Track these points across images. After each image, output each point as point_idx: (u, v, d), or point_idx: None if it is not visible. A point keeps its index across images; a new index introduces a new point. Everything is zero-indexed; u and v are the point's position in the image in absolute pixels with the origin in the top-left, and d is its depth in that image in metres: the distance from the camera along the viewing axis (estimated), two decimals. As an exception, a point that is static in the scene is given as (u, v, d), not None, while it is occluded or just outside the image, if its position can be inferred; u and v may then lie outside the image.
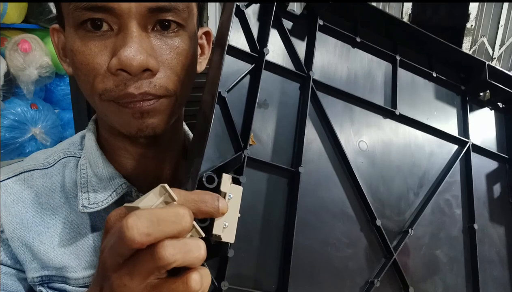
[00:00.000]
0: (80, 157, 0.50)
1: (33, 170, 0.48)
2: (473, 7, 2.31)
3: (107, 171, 0.47)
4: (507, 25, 2.30)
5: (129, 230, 0.24)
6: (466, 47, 2.36)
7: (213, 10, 2.73)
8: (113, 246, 0.26)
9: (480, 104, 0.60)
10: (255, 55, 0.42)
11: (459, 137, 0.56)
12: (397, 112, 0.51)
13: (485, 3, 2.31)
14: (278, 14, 0.44)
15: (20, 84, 2.07)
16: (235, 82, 0.40)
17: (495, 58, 2.34)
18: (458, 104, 0.58)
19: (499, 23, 2.29)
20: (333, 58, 0.48)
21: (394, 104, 0.51)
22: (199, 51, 0.49)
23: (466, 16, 2.33)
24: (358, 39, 0.49)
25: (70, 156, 0.50)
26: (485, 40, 2.34)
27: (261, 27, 0.43)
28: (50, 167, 0.49)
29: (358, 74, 0.49)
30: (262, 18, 0.43)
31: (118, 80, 0.39)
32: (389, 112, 0.51)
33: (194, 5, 0.43)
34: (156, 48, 0.40)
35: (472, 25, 2.33)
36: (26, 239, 0.45)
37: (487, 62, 0.55)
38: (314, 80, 0.45)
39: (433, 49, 0.55)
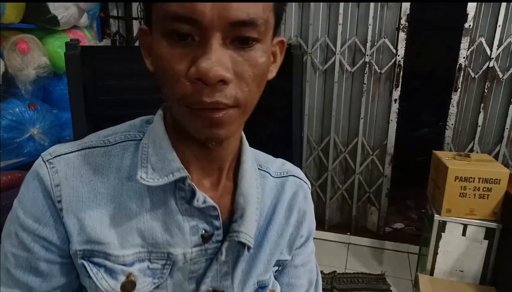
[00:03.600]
0: (140, 139, 0.53)
1: (94, 147, 0.52)
2: (471, 7, 2.31)
3: (169, 154, 0.50)
4: (505, 25, 2.31)
5: None
6: (464, 47, 2.37)
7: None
8: None
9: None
10: None
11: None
12: None
13: (483, 3, 2.32)
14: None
15: (18, 84, 2.07)
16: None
17: (493, 58, 2.35)
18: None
19: (497, 23, 2.30)
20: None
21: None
22: (271, 59, 0.51)
23: (464, 16, 2.33)
24: None
25: (131, 140, 0.53)
26: (483, 40, 2.35)
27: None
28: (110, 145, 0.52)
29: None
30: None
31: (194, 87, 0.42)
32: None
33: (272, 17, 0.45)
34: (232, 61, 0.43)
35: (470, 25, 2.34)
36: (78, 213, 0.49)
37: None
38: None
39: None
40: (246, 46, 0.43)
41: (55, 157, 0.50)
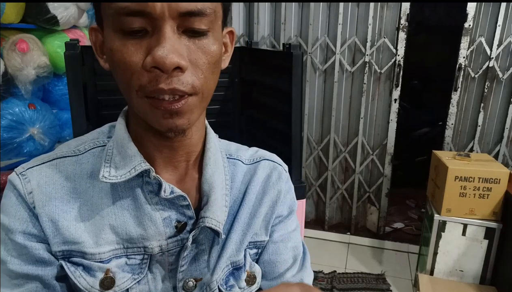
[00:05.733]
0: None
1: (65, 157, 0.54)
2: (471, 7, 2.31)
3: (130, 150, 0.52)
4: (505, 25, 2.31)
5: None
6: (464, 47, 2.37)
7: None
8: None
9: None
10: None
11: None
12: None
13: (483, 3, 2.31)
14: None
15: (18, 84, 2.07)
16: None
17: (492, 58, 2.35)
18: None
19: (496, 23, 2.30)
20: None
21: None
22: (223, 49, 0.53)
23: (464, 16, 2.33)
24: None
25: (99, 146, 0.55)
26: (483, 40, 2.35)
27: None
28: (81, 154, 0.55)
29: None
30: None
31: (151, 76, 0.44)
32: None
33: (219, 7, 0.48)
34: (186, 49, 0.45)
35: (470, 25, 2.34)
36: (52, 215, 0.51)
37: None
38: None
39: None
40: (198, 35, 0.45)
41: (27, 169, 0.53)
